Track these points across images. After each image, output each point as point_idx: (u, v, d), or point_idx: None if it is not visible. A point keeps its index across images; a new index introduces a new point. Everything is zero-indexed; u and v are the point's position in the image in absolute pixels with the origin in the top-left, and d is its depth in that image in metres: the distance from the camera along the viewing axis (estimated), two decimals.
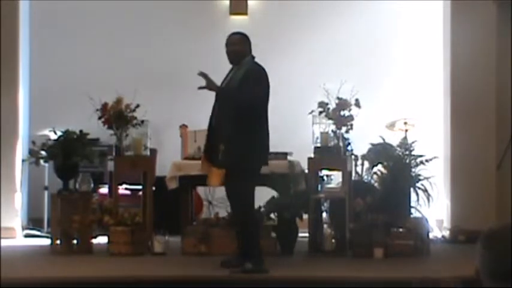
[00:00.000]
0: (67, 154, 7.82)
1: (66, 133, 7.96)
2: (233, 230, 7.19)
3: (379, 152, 8.06)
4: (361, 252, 7.47)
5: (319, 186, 7.95)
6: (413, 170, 8.06)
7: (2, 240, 8.24)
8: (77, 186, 7.99)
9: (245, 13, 10.33)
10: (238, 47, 6.87)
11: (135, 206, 8.17)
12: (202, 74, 6.70)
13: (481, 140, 8.79)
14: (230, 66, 6.89)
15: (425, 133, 9.04)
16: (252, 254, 6.64)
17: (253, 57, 6.90)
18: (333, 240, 7.66)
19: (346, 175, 7.79)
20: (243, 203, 6.76)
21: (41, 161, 8.11)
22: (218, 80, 6.83)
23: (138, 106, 7.80)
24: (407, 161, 8.10)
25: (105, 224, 7.76)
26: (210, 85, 6.74)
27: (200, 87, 6.77)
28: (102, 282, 6.17)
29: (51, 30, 10.16)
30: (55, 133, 8.02)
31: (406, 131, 8.89)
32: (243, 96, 6.64)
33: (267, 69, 6.78)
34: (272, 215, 7.95)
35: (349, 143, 7.93)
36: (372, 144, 8.15)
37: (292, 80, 10.03)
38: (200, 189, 9.07)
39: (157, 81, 10.04)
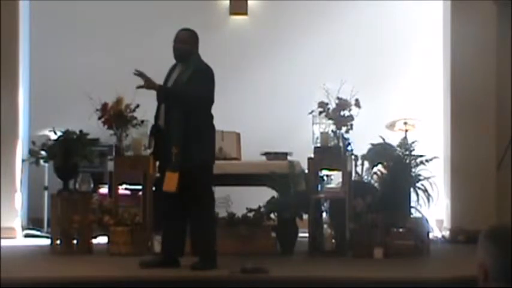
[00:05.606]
0: (67, 154, 7.81)
1: (66, 133, 7.96)
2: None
3: (379, 152, 8.06)
4: (361, 252, 7.46)
5: (319, 186, 7.94)
6: (413, 170, 8.06)
7: (2, 240, 8.23)
8: (77, 186, 7.98)
9: (245, 13, 10.33)
10: (186, 45, 6.79)
11: (135, 206, 8.17)
12: (139, 73, 6.69)
13: (481, 140, 8.80)
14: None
15: (425, 133, 9.04)
16: (209, 252, 6.71)
17: (199, 55, 6.83)
18: (333, 240, 7.66)
19: (346, 175, 7.79)
20: (208, 205, 6.78)
21: (41, 161, 8.10)
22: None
23: (138, 106, 7.80)
24: (408, 161, 8.09)
25: (105, 224, 7.76)
26: (149, 84, 6.71)
27: (138, 87, 6.73)
28: (102, 282, 6.16)
29: (51, 30, 10.16)
30: (55, 133, 8.01)
31: (406, 131, 8.90)
32: (192, 95, 6.58)
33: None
34: (272, 215, 7.95)
35: (349, 143, 7.93)
36: (372, 144, 8.14)
37: (292, 80, 10.03)
38: None
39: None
